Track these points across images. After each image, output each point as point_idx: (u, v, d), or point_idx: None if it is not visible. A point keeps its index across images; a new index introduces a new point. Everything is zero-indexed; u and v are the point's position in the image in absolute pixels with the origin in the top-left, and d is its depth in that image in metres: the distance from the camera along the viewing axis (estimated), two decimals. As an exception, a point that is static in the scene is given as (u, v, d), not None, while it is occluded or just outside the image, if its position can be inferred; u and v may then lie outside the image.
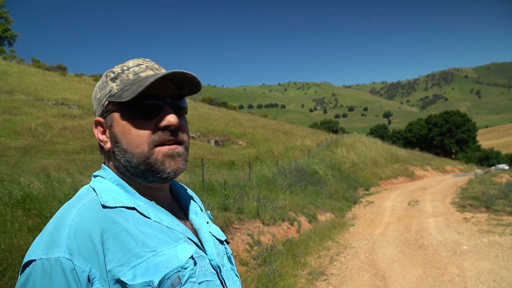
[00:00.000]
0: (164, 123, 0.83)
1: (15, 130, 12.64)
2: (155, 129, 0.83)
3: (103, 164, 0.92)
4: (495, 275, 5.13)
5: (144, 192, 0.88)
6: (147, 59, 0.91)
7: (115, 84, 0.86)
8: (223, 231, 5.79)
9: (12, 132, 12.46)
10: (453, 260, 5.87)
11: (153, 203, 0.87)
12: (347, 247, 6.98)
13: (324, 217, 9.56)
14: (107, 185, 0.85)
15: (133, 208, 0.82)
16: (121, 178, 0.88)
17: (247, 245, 5.83)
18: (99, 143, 0.91)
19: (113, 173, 0.88)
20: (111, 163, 0.89)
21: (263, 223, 6.95)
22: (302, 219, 8.39)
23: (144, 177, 0.85)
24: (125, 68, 0.87)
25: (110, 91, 0.86)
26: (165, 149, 0.83)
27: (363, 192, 15.90)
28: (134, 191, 0.86)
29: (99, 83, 0.90)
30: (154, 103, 0.83)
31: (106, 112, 0.86)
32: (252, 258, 5.53)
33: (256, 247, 5.85)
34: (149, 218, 0.82)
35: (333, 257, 6.24)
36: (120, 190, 0.85)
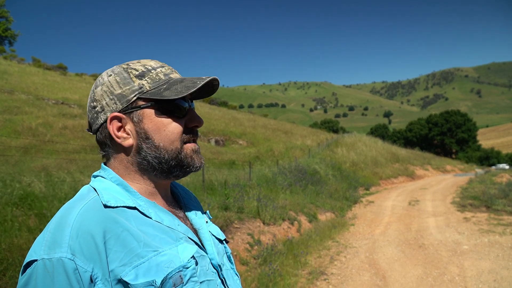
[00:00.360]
0: (194, 123, 0.90)
1: (16, 130, 12.65)
2: (185, 128, 0.89)
3: (102, 164, 0.91)
4: (495, 274, 5.13)
5: (145, 192, 0.88)
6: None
7: (145, 81, 0.86)
8: (223, 230, 5.80)
9: (12, 131, 12.46)
10: (453, 260, 5.87)
11: (154, 203, 0.87)
12: (348, 246, 6.99)
13: (324, 216, 9.56)
14: (108, 185, 0.85)
15: (134, 208, 0.82)
16: (125, 178, 0.87)
17: (248, 245, 5.83)
18: (104, 141, 0.88)
19: (114, 173, 0.87)
20: (124, 160, 0.88)
21: (264, 223, 6.96)
22: (303, 219, 8.39)
23: (169, 172, 0.88)
24: (150, 68, 0.88)
25: (141, 87, 0.85)
26: (191, 145, 0.90)
27: (364, 192, 15.91)
28: (135, 191, 0.86)
29: (115, 78, 0.87)
30: (184, 104, 0.89)
31: (132, 108, 0.85)
32: (252, 257, 5.53)
33: (256, 247, 5.85)
34: (150, 218, 0.83)
35: (333, 257, 6.24)
36: (121, 190, 0.85)
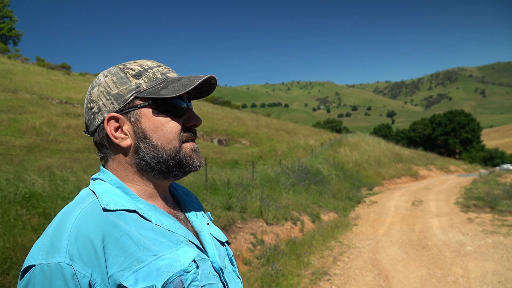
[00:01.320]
0: (192, 122, 0.90)
1: (20, 129, 12.70)
2: (183, 127, 0.88)
3: (102, 167, 0.90)
4: (499, 276, 5.09)
5: (145, 194, 0.87)
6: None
7: (142, 81, 0.85)
8: (226, 230, 5.80)
9: (16, 131, 12.51)
10: (457, 261, 5.84)
11: (154, 206, 0.86)
12: (350, 247, 6.97)
13: (327, 216, 9.54)
14: (107, 188, 0.84)
15: (134, 211, 0.81)
16: (124, 180, 0.86)
17: (250, 245, 5.83)
18: (102, 142, 0.88)
19: (113, 175, 0.86)
20: (122, 161, 0.87)
21: (266, 223, 6.95)
22: (305, 219, 8.38)
23: (168, 172, 0.87)
24: (146, 67, 0.87)
25: (138, 87, 0.84)
26: (190, 145, 0.89)
27: (367, 192, 15.87)
28: (135, 193, 0.85)
29: (111, 78, 0.86)
30: (182, 103, 0.88)
31: (130, 108, 0.84)
32: (255, 257, 5.53)
33: (259, 247, 5.84)
34: (150, 221, 0.82)
35: (336, 257, 6.22)
36: (120, 193, 0.84)
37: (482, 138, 63.51)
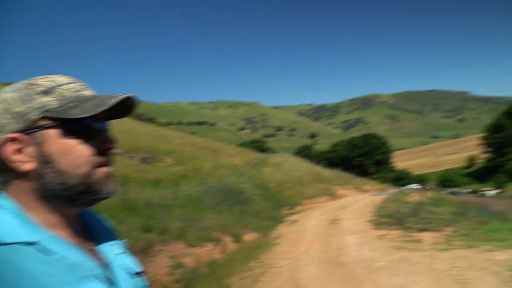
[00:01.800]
0: (105, 145, 0.83)
1: None
2: (96, 150, 0.81)
3: (0, 192, 0.80)
4: (405, 289, 5.49)
5: (49, 224, 0.78)
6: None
7: (51, 98, 0.77)
8: (144, 254, 5.55)
9: None
10: (369, 277, 6.18)
11: (57, 236, 0.77)
12: (271, 266, 7.05)
13: (249, 236, 9.59)
14: (3, 217, 0.74)
15: (34, 243, 0.72)
16: (26, 207, 0.77)
17: (170, 268, 5.64)
18: (2, 165, 0.77)
19: (12, 203, 0.77)
20: (24, 187, 0.77)
21: (188, 244, 6.79)
22: (227, 240, 8.33)
23: (75, 200, 0.79)
24: (58, 84, 0.80)
25: (45, 105, 0.76)
26: (104, 170, 0.82)
27: (288, 211, 16.28)
28: (37, 223, 0.76)
29: (16, 94, 0.78)
30: (97, 124, 0.81)
31: (34, 128, 0.76)
32: (174, 282, 5.35)
33: (179, 270, 5.67)
34: (53, 254, 0.73)
35: (256, 278, 6.25)
36: (19, 223, 0.74)
37: (393, 159, 69.07)
